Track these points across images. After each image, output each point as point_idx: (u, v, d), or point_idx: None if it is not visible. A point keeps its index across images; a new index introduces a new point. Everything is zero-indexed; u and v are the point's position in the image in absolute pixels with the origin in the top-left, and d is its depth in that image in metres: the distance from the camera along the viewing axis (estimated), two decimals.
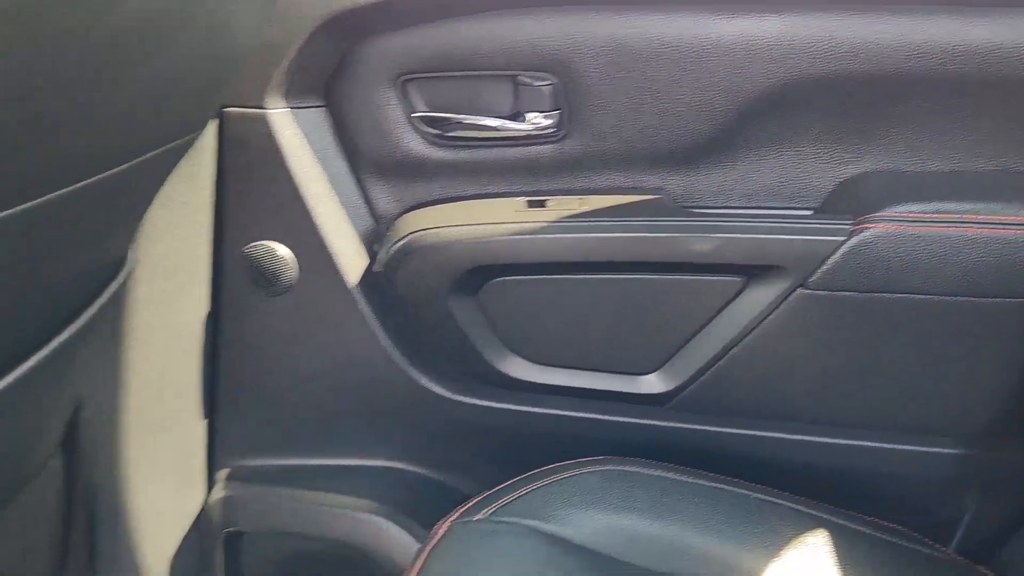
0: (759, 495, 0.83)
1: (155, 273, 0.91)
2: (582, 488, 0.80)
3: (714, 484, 0.84)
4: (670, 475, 0.84)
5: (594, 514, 0.78)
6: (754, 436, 0.95)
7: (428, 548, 0.75)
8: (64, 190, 0.58)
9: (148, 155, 0.67)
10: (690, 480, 0.84)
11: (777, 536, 0.77)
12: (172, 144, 0.70)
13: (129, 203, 0.75)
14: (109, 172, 0.62)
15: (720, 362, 0.91)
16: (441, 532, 0.76)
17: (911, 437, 0.92)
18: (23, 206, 0.54)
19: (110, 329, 0.93)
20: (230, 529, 1.06)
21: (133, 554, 1.07)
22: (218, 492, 1.07)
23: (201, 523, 1.08)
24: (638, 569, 0.74)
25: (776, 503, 0.82)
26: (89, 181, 0.60)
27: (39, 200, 0.55)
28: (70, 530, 1.06)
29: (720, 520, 0.79)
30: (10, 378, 0.68)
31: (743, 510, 0.81)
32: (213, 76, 0.70)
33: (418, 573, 0.71)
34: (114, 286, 0.81)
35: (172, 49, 0.57)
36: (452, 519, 0.76)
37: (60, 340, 0.73)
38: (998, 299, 0.83)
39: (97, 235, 0.74)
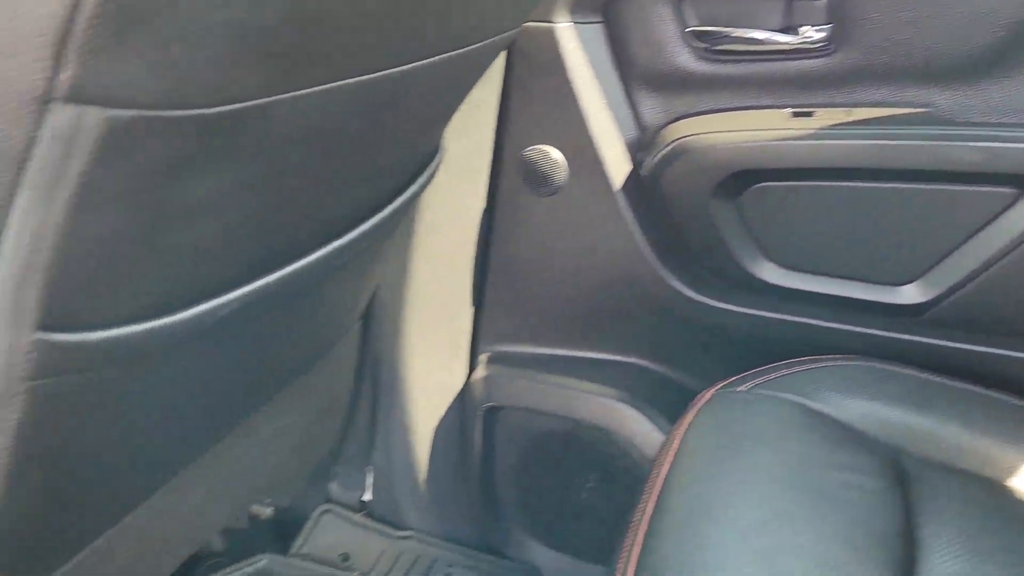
0: (1018, 402, 0.85)
1: (447, 169, 1.04)
2: (841, 376, 0.85)
3: (967, 387, 0.86)
4: (924, 375, 0.88)
5: (852, 399, 0.83)
6: (1012, 357, 0.95)
7: (692, 412, 0.83)
8: (417, 63, 0.69)
9: (478, 45, 0.79)
10: (946, 382, 0.87)
11: None
12: (496, 38, 0.81)
13: (452, 94, 0.87)
14: (455, 52, 0.73)
15: (982, 276, 0.92)
16: (705, 399, 0.83)
17: None
18: (385, 72, 0.65)
19: (411, 215, 1.08)
20: (488, 404, 1.20)
21: (406, 418, 1.24)
22: (479, 372, 1.20)
23: (464, 397, 1.22)
24: (896, 450, 0.78)
25: None
26: (436, 59, 0.71)
27: (395, 70, 0.66)
28: (358, 395, 1.24)
29: (977, 416, 0.82)
30: (346, 238, 0.82)
31: (1000, 411, 0.83)
32: None
33: (685, 430, 0.80)
34: (426, 175, 0.94)
35: None
36: (715, 388, 0.84)
37: (380, 217, 0.87)
38: None
39: (425, 121, 0.87)
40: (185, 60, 0.43)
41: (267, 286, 0.67)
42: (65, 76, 0.40)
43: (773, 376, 0.85)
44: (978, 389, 0.86)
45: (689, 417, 0.82)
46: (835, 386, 0.84)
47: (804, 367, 0.87)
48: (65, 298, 0.48)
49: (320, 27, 0.51)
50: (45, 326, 0.47)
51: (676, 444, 0.79)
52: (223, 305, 0.61)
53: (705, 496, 0.71)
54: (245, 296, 0.64)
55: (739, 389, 0.83)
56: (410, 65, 0.67)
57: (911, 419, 0.82)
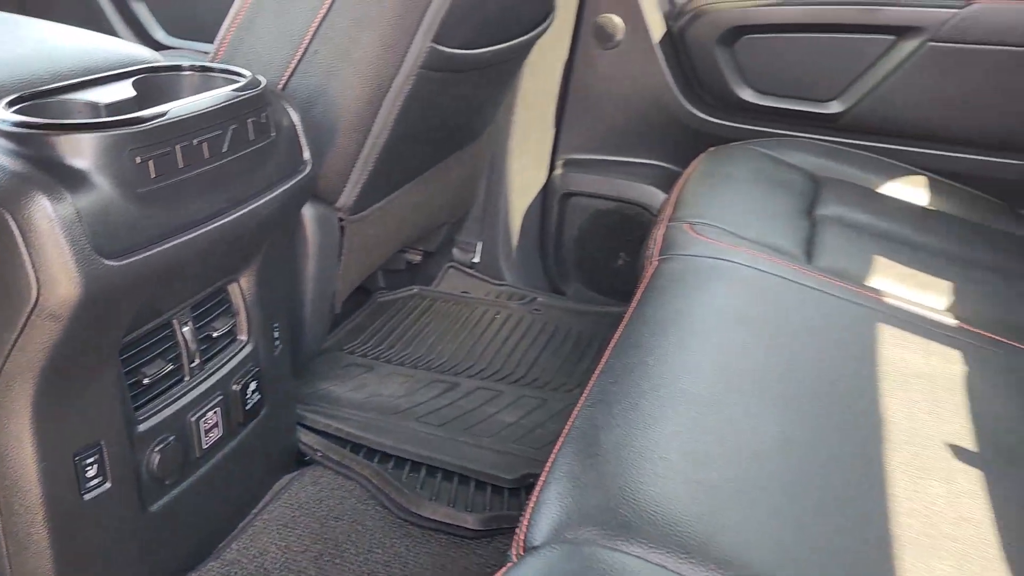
0: (889, 159, 1.48)
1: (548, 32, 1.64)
2: (789, 143, 1.48)
3: (859, 152, 1.49)
4: (837, 145, 1.50)
5: (795, 152, 1.45)
6: (891, 150, 1.58)
7: (695, 162, 1.45)
8: None
9: None
10: (848, 149, 1.50)
11: None
12: None
13: None
14: None
15: (874, 93, 1.54)
16: (700, 157, 1.46)
17: None
18: None
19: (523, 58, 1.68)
20: (564, 191, 1.82)
21: (506, 203, 1.86)
22: (558, 170, 1.83)
23: (547, 189, 1.85)
24: (816, 174, 1.41)
25: None
26: None
27: None
28: (475, 185, 1.85)
29: (866, 162, 1.45)
30: (487, 50, 1.42)
31: (876, 161, 1.46)
32: None
33: (688, 175, 1.42)
34: (545, 24, 1.54)
35: None
36: (708, 151, 1.47)
37: (519, 42, 1.46)
38: None
39: None
40: None
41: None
42: None
43: (751, 143, 1.48)
44: (864, 153, 1.50)
45: (689, 167, 1.44)
46: (785, 146, 1.47)
47: (766, 140, 1.50)
48: (445, 36, 1.09)
49: None
50: (435, 41, 1.08)
51: (680, 183, 1.40)
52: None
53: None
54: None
55: (727, 149, 1.46)
56: None
57: (827, 161, 1.45)
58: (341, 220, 1.23)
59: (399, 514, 1.13)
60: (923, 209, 1.37)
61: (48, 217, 0.71)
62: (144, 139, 0.78)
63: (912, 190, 1.41)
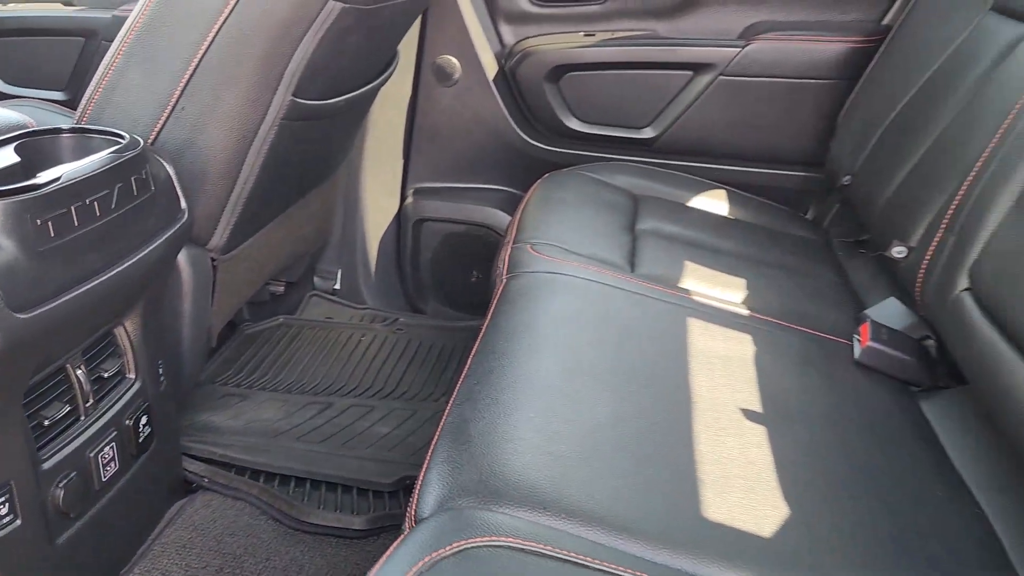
0: (695, 177, 1.73)
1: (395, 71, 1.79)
2: (613, 166, 1.69)
3: (672, 172, 1.73)
4: (652, 167, 1.73)
5: (617, 175, 1.67)
6: (692, 167, 1.83)
7: (531, 190, 1.64)
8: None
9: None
10: (661, 170, 1.73)
11: None
12: None
13: (406, 25, 1.63)
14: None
15: (678, 121, 1.78)
16: (537, 183, 1.65)
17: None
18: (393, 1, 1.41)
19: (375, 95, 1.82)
20: (416, 218, 1.97)
21: (363, 232, 1.99)
22: (409, 199, 1.98)
23: (400, 216, 1.99)
24: (635, 193, 1.63)
25: None
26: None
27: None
28: (332, 217, 1.97)
29: (677, 180, 1.68)
30: (345, 97, 1.56)
31: (686, 179, 1.70)
32: None
33: (526, 200, 1.60)
34: (390, 70, 1.69)
35: None
36: (544, 177, 1.66)
37: (364, 90, 1.61)
38: None
39: (396, 36, 1.62)
40: None
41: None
42: None
43: (578, 169, 1.68)
44: (675, 172, 1.73)
45: (528, 192, 1.63)
46: (609, 169, 1.68)
47: (593, 165, 1.71)
48: (303, 90, 1.21)
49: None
50: (295, 95, 1.20)
51: (521, 206, 1.58)
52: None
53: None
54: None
55: (561, 176, 1.66)
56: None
57: (644, 181, 1.67)
58: (213, 260, 1.32)
59: (290, 524, 1.23)
60: (723, 218, 1.61)
61: None
62: (43, 203, 0.86)
63: (714, 202, 1.66)
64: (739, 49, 1.72)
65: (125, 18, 1.87)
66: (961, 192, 1.12)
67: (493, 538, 0.67)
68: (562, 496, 0.75)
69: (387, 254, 2.03)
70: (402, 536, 0.69)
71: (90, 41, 1.91)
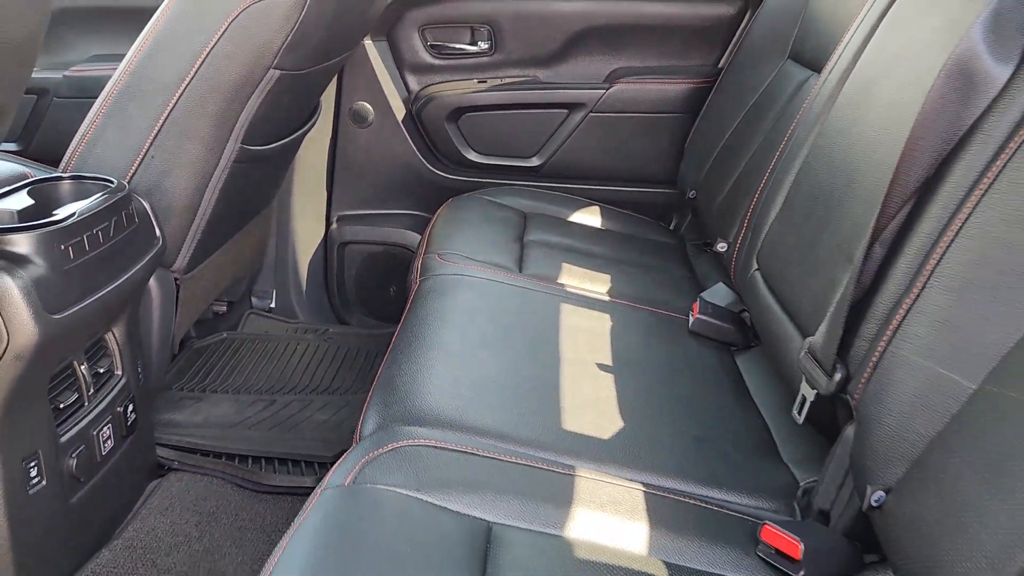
0: (571, 196, 2.09)
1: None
2: (505, 190, 2.03)
3: (555, 193, 2.09)
4: (540, 190, 2.09)
5: (508, 196, 2.01)
6: (577, 188, 2.19)
7: (435, 216, 1.96)
8: (337, 58, 1.77)
9: (347, 54, 1.87)
10: (546, 192, 2.09)
11: None
12: (352, 50, 1.90)
13: (329, 80, 1.94)
14: (337, 59, 1.82)
15: (560, 150, 2.15)
16: (443, 207, 1.98)
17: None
18: (325, 63, 1.73)
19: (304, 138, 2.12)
20: (341, 241, 2.27)
21: (294, 255, 2.28)
22: (334, 225, 2.28)
23: (326, 240, 2.29)
24: (524, 211, 1.98)
25: None
26: (332, 63, 1.80)
27: (326, 63, 1.74)
28: (267, 242, 2.25)
29: (564, 201, 2.04)
30: (276, 145, 1.86)
31: (562, 197, 2.06)
32: (369, 20, 1.91)
33: (432, 222, 1.93)
34: (314, 119, 2.00)
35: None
36: (448, 202, 1.99)
37: (293, 138, 1.92)
38: None
39: (320, 90, 1.94)
40: None
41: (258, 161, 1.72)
42: None
43: (477, 194, 2.02)
44: (557, 193, 2.09)
45: (435, 214, 1.96)
46: (503, 192, 2.02)
47: (489, 189, 2.05)
48: (249, 138, 1.52)
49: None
50: (243, 143, 1.50)
51: (428, 229, 1.91)
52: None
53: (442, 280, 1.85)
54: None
55: (463, 199, 1.99)
56: (323, 65, 1.75)
57: (532, 201, 2.02)
58: (176, 279, 1.60)
59: (253, 488, 1.52)
60: (597, 229, 1.97)
61: (13, 287, 1.06)
62: (65, 233, 1.14)
63: (590, 217, 2.02)
64: (604, 90, 2.10)
65: (75, 77, 2.15)
66: (755, 198, 1.50)
67: (416, 440, 0.99)
68: (463, 419, 1.07)
69: (316, 274, 2.32)
70: (351, 448, 1.00)
71: (42, 99, 2.15)
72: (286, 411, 1.83)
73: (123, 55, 1.45)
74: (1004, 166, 0.84)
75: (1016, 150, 0.83)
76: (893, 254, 0.95)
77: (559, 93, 2.13)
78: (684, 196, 1.99)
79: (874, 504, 0.85)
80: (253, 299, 2.31)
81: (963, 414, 0.78)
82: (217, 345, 2.13)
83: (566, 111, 2.14)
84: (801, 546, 0.89)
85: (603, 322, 1.46)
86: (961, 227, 0.86)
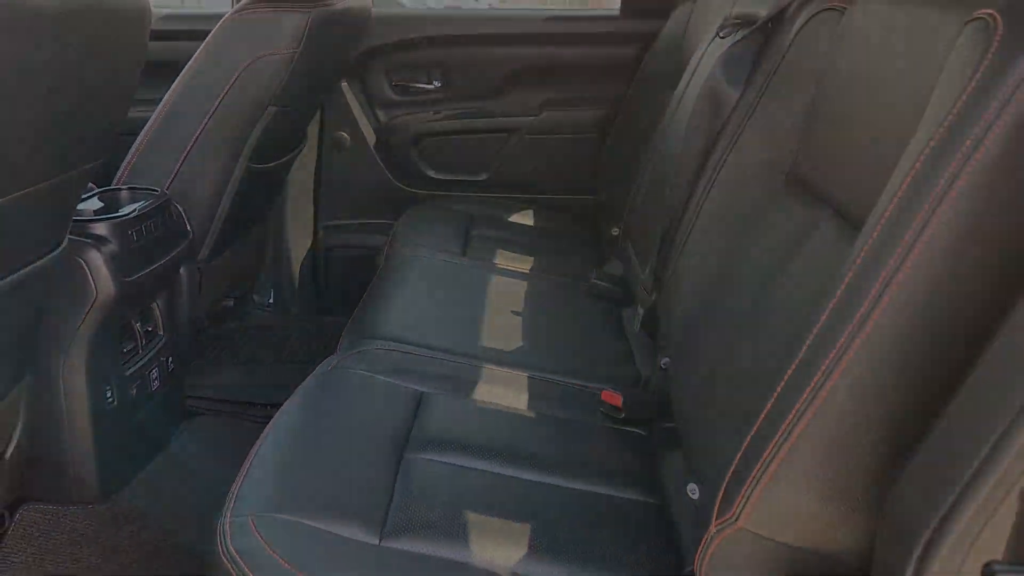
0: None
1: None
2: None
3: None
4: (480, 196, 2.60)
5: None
6: (520, 199, 2.70)
7: (400, 220, 2.47)
8: (320, 96, 2.29)
9: (327, 93, 2.39)
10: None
11: None
12: (332, 90, 2.41)
13: (312, 114, 2.45)
14: (325, 94, 2.33)
15: (501, 167, 2.66)
16: (403, 215, 2.48)
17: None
18: (311, 101, 2.24)
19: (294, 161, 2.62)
20: (327, 246, 2.77)
21: (288, 260, 2.78)
22: (320, 233, 2.78)
23: (314, 246, 2.79)
24: (468, 221, 2.49)
25: None
26: (322, 97, 2.31)
27: (311, 101, 2.26)
28: (265, 248, 2.75)
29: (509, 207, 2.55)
30: (272, 163, 2.37)
31: (504, 202, 2.57)
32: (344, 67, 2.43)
33: (401, 219, 2.43)
34: (302, 146, 2.50)
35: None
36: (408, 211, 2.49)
37: (287, 159, 2.43)
38: None
39: (307, 122, 2.45)
40: None
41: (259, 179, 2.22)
42: None
43: (433, 201, 2.52)
44: (498, 199, 2.60)
45: (402, 217, 2.46)
46: (456, 201, 2.53)
47: (444, 199, 2.56)
48: (255, 158, 2.02)
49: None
50: (251, 161, 1.99)
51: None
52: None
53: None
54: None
55: (423, 205, 2.49)
56: (309, 103, 2.26)
57: (479, 207, 2.52)
58: (200, 268, 2.09)
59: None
60: (528, 226, 2.48)
61: (99, 257, 1.55)
62: (131, 223, 1.64)
63: (523, 218, 2.53)
64: (535, 117, 2.62)
65: None
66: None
67: (376, 347, 1.48)
68: (411, 337, 1.57)
69: (306, 274, 2.82)
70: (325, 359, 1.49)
71: None
72: (287, 373, 2.31)
73: (153, 99, 1.95)
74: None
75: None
76: None
77: (500, 121, 2.65)
78: (599, 197, 2.50)
79: (663, 367, 1.35)
80: (255, 296, 2.80)
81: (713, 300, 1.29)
82: (228, 331, 2.62)
83: (506, 135, 2.65)
84: (621, 398, 1.38)
85: (521, 287, 1.96)
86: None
